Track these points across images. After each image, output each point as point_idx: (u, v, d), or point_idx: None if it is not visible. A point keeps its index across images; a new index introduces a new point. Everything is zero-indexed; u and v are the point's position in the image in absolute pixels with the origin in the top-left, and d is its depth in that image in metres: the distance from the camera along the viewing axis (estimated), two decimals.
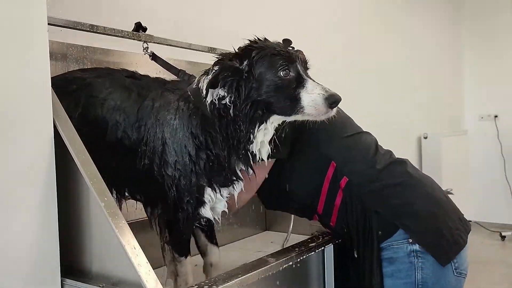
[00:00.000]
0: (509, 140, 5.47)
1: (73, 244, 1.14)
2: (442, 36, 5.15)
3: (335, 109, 1.18)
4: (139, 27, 1.55)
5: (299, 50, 1.29)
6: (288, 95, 1.17)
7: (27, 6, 1.05)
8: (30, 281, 1.04)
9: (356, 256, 1.36)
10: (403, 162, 1.44)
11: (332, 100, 1.15)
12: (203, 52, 1.76)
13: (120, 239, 1.00)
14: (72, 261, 1.14)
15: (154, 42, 1.55)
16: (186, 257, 1.28)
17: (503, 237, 5.08)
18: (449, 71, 5.33)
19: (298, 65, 1.21)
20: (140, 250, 1.02)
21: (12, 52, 1.03)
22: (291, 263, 1.28)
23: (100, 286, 1.04)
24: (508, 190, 5.48)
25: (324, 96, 1.15)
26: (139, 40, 1.51)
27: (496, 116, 5.60)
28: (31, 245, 1.04)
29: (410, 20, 4.31)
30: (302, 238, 1.79)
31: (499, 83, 5.52)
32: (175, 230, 1.25)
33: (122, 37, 1.48)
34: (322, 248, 1.41)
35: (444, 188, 1.41)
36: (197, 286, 1.05)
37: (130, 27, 1.54)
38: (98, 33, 1.42)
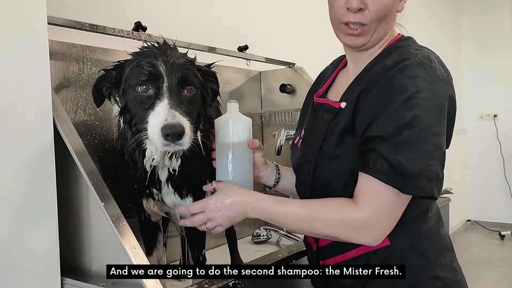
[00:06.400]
0: (509, 140, 5.47)
1: (73, 244, 1.14)
2: (441, 35, 5.14)
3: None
4: (139, 27, 1.55)
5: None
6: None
7: (27, 6, 1.05)
8: (30, 280, 1.05)
9: None
10: None
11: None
12: (203, 52, 1.76)
13: (120, 239, 1.01)
14: (72, 261, 1.14)
15: (153, 42, 1.55)
16: None
17: (502, 236, 5.09)
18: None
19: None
20: (140, 249, 1.02)
21: (12, 52, 1.03)
22: (290, 262, 1.28)
23: (100, 286, 1.05)
24: (507, 189, 5.49)
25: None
26: (139, 40, 1.51)
27: (495, 116, 5.61)
28: (31, 244, 1.05)
29: (408, 18, 4.31)
30: (302, 236, 1.80)
31: (498, 82, 5.53)
32: None
33: (122, 36, 1.48)
34: None
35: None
36: (196, 286, 1.06)
37: (130, 27, 1.54)
38: (98, 32, 1.42)
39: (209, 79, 1.17)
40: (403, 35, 1.13)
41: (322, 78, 1.26)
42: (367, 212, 0.93)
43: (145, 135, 1.02)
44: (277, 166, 1.29)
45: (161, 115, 0.99)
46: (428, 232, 1.07)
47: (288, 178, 1.28)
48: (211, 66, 1.20)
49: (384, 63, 0.99)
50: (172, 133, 0.96)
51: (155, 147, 1.07)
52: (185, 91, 1.06)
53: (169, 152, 1.11)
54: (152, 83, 1.04)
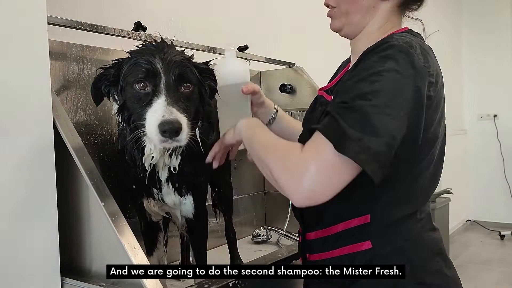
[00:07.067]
0: (509, 140, 5.47)
1: (73, 244, 1.14)
2: (441, 35, 5.14)
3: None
4: (139, 27, 1.55)
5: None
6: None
7: (27, 6, 1.05)
8: (30, 280, 1.05)
9: None
10: None
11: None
12: (203, 52, 1.76)
13: (120, 239, 1.01)
14: (72, 261, 1.14)
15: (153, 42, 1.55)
16: None
17: (502, 236, 5.09)
18: (448, 70, 5.32)
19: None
20: (140, 249, 1.02)
21: (12, 52, 1.03)
22: (290, 262, 1.28)
23: (100, 286, 1.05)
24: (507, 189, 5.49)
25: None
26: (139, 40, 1.51)
27: (495, 116, 5.61)
28: (31, 244, 1.05)
29: (408, 18, 4.31)
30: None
31: (498, 82, 5.53)
32: None
33: (122, 36, 1.48)
34: None
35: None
36: (196, 286, 1.06)
37: (130, 27, 1.54)
38: (98, 32, 1.42)
39: (206, 76, 1.17)
40: (410, 29, 1.12)
41: (336, 73, 1.27)
42: (304, 161, 0.89)
43: (143, 131, 1.03)
44: (276, 110, 1.34)
45: (158, 111, 0.99)
46: (415, 236, 1.04)
47: (282, 126, 1.33)
48: (209, 64, 1.20)
49: (367, 49, 1.01)
50: (169, 129, 0.97)
51: (154, 144, 1.08)
52: (182, 88, 1.07)
53: (168, 150, 1.12)
54: (149, 80, 1.04)
